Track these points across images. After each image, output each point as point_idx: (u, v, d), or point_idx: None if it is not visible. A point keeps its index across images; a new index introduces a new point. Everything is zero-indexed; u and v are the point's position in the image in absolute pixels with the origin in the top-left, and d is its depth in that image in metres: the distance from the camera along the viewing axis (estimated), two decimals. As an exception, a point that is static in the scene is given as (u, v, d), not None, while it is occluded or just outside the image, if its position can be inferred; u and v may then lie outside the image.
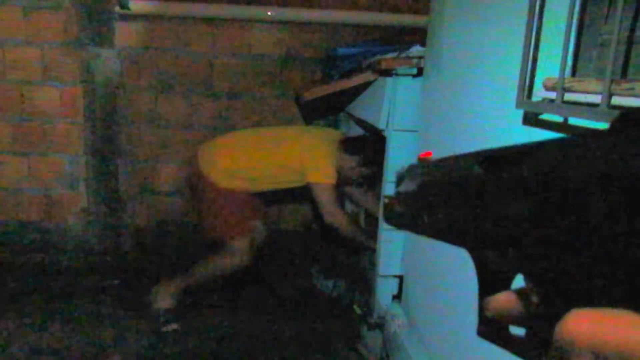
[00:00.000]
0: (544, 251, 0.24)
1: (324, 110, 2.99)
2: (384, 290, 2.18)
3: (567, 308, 0.23)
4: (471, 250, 0.31)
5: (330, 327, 2.43)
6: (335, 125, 3.08)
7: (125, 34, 2.85)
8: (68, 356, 2.15)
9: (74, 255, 3.02)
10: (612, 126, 0.22)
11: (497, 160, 0.28)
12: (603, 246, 0.21)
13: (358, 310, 2.43)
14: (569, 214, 0.23)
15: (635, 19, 0.93)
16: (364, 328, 2.29)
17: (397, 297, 2.17)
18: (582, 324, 0.21)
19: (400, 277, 2.15)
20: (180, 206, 3.08)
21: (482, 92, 1.39)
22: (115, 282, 2.80)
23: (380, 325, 2.17)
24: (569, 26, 0.96)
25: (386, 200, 0.41)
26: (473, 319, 0.31)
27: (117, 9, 2.77)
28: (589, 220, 0.22)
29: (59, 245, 3.05)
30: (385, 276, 2.17)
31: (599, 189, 0.21)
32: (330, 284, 2.73)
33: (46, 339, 2.25)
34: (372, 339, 2.21)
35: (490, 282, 0.30)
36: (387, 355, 2.08)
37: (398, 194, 0.40)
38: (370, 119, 2.22)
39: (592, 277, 0.22)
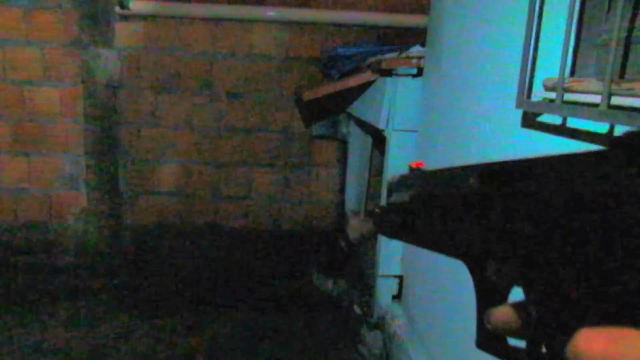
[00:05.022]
0: (542, 265, 0.24)
1: (324, 111, 2.99)
2: (384, 290, 2.18)
3: (566, 321, 0.22)
4: (468, 263, 0.31)
5: (330, 327, 2.43)
6: (335, 124, 3.07)
7: (125, 34, 2.85)
8: (68, 356, 2.15)
9: (74, 255, 3.02)
10: (612, 145, 0.22)
11: (496, 174, 0.28)
12: (602, 262, 0.21)
13: (358, 310, 2.43)
14: (569, 230, 0.23)
15: (634, 19, 0.93)
16: (364, 328, 2.29)
17: (397, 297, 2.17)
18: (594, 343, 0.21)
19: (400, 277, 2.15)
20: (180, 206, 3.08)
21: (482, 92, 1.39)
22: (115, 282, 2.80)
23: (380, 325, 2.17)
24: (568, 26, 0.96)
25: (377, 210, 0.41)
26: (472, 319, 0.31)
27: (117, 9, 2.77)
28: (589, 237, 0.22)
29: (59, 245, 3.05)
30: (385, 276, 2.17)
31: (598, 207, 0.21)
32: (330, 284, 2.73)
33: (46, 338, 2.25)
34: (372, 339, 2.21)
35: (488, 294, 0.30)
36: (387, 355, 2.08)
37: (390, 204, 0.39)
38: (370, 119, 2.23)
39: (591, 290, 0.22)
